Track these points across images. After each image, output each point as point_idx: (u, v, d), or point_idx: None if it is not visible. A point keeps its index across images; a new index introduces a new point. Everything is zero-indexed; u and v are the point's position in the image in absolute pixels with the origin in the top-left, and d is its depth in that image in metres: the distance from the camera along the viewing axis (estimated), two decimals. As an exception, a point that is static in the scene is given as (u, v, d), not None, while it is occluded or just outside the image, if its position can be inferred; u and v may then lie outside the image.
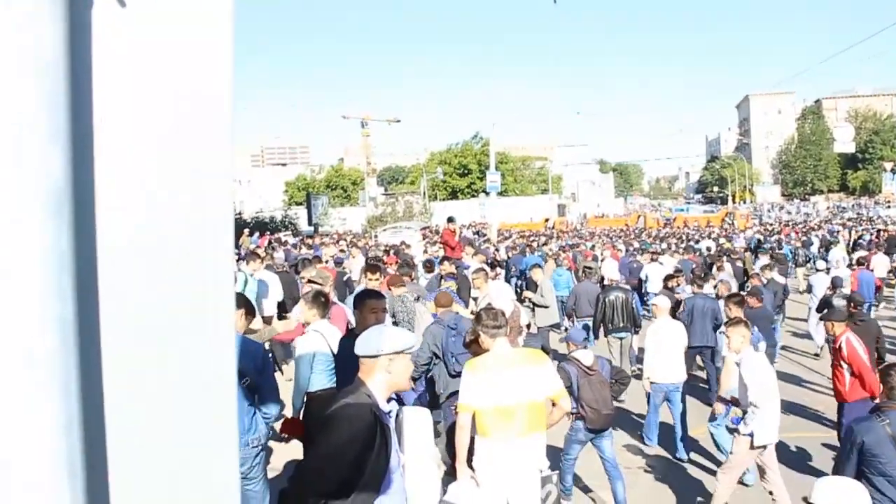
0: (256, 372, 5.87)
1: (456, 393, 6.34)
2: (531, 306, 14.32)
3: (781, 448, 8.24)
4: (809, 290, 16.91)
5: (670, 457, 9.71)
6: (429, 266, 15.73)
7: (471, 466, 5.52)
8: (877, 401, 5.87)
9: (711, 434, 9.08)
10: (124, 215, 1.09)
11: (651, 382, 9.97)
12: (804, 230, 46.47)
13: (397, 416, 4.27)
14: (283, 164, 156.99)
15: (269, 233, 41.99)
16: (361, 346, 4.02)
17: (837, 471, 5.57)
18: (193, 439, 1.20)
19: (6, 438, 0.90)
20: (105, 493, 1.12)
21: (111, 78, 1.06)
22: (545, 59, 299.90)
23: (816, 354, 15.34)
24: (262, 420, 5.91)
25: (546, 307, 13.85)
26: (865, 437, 5.32)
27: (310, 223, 54.07)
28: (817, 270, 17.85)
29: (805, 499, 3.85)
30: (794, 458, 9.18)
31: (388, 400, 4.05)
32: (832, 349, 9.13)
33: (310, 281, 9.90)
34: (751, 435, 7.08)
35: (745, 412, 7.15)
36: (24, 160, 0.89)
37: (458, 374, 8.74)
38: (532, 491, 5.56)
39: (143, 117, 1.10)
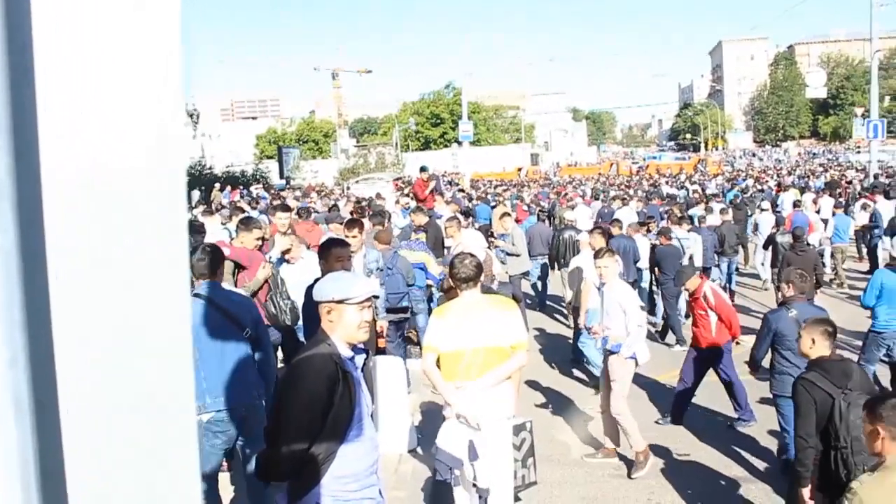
0: (254, 323, 5.89)
1: None
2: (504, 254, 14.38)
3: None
4: (756, 229, 18.25)
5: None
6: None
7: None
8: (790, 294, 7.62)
9: (580, 350, 10.71)
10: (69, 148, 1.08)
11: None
12: (772, 176, 46.88)
13: (364, 364, 4.23)
14: (254, 118, 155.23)
15: (240, 186, 41.64)
16: (314, 293, 4.03)
17: (756, 350, 7.72)
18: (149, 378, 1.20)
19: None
20: (57, 431, 1.12)
21: (53, 44, 1.05)
22: (517, 6, 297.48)
23: (765, 289, 16.53)
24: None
25: (517, 255, 13.88)
26: (778, 324, 7.30)
27: (281, 176, 53.61)
28: (762, 211, 19.22)
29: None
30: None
31: (355, 348, 4.01)
32: (689, 301, 9.89)
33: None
34: (633, 357, 7.79)
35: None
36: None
37: (389, 311, 9.27)
38: (502, 437, 5.60)
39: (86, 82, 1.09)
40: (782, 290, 8.02)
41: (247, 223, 8.56)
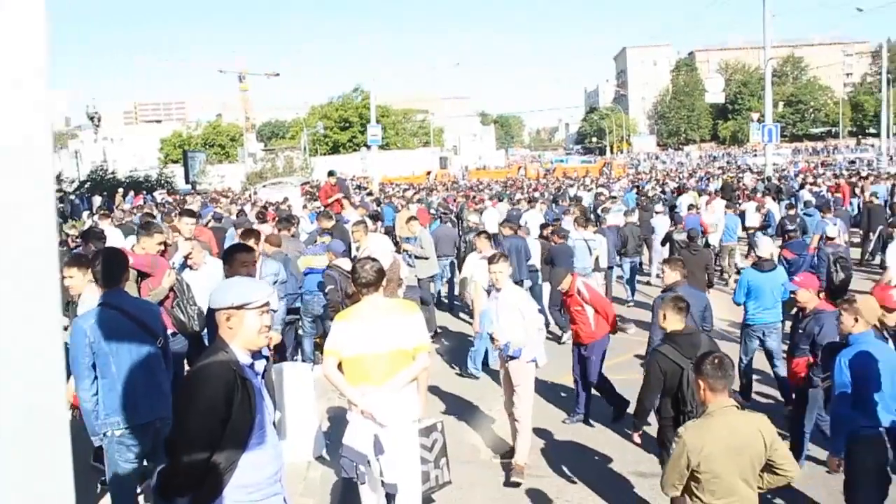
0: (164, 332, 5.74)
1: None
2: (412, 258, 14.40)
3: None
4: (653, 230, 18.94)
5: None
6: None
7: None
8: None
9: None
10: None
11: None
12: (675, 178, 48.12)
13: (265, 370, 4.17)
14: (158, 121, 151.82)
15: (144, 192, 40.66)
16: (210, 301, 3.97)
17: (653, 333, 8.08)
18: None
19: None
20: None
21: None
22: (424, 10, 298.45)
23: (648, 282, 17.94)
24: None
25: (426, 258, 13.91)
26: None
27: (187, 181, 52.62)
28: (656, 213, 20.06)
29: None
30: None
31: (255, 355, 3.96)
32: (563, 299, 9.98)
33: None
34: (534, 360, 7.81)
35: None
36: None
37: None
38: (408, 440, 5.62)
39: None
40: (665, 275, 8.79)
41: (148, 228, 8.38)
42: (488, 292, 10.86)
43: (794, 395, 8.06)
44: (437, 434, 5.96)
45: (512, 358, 7.73)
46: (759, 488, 4.48)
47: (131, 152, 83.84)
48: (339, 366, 5.54)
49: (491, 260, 8.07)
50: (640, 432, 6.72)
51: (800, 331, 7.45)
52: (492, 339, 8.32)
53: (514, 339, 7.70)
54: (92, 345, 5.23)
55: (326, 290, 10.13)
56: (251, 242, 8.11)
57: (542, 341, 8.11)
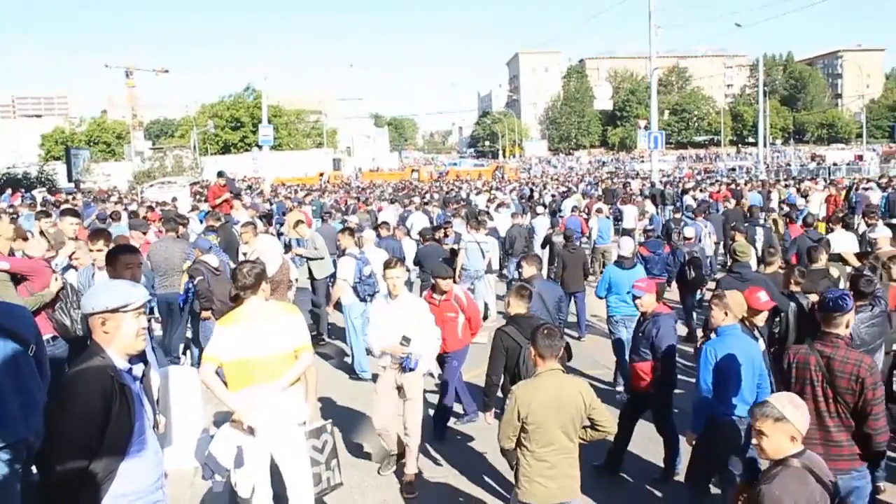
0: (36, 339, 5.34)
1: None
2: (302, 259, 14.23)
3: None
4: (532, 231, 19.29)
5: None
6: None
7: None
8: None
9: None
10: None
11: None
12: (563, 183, 49.23)
13: (144, 374, 4.05)
14: (39, 116, 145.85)
15: (22, 189, 39.03)
16: (83, 305, 3.87)
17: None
18: None
19: None
20: None
21: None
22: (317, 9, 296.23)
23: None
24: None
25: (321, 258, 13.69)
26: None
27: (70, 179, 50.72)
28: (537, 214, 20.90)
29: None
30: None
31: (133, 360, 3.86)
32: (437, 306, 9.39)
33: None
34: (429, 372, 7.97)
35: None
36: None
37: None
38: (296, 442, 5.62)
39: None
40: (524, 270, 9.19)
41: None
42: (363, 297, 10.99)
43: (632, 402, 7.98)
44: (327, 435, 5.95)
45: (410, 370, 7.34)
46: (582, 440, 5.24)
47: (9, 148, 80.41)
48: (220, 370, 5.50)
49: (387, 265, 7.64)
50: (492, 411, 6.98)
51: (640, 334, 7.66)
52: (369, 351, 8.02)
53: (413, 350, 7.28)
54: None
55: (196, 283, 10.10)
56: (100, 244, 7.63)
57: (435, 351, 7.82)
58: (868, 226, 13.74)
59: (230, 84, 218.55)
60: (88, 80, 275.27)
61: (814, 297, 8.32)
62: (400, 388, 7.45)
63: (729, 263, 10.77)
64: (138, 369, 3.89)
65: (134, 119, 68.09)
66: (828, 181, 32.96)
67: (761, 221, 16.92)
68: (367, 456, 8.45)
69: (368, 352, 9.57)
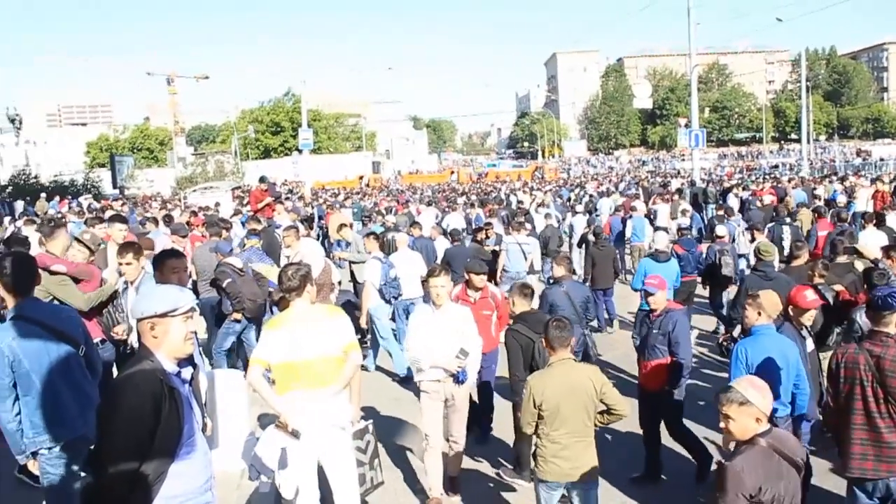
0: (85, 339, 5.45)
1: None
2: (347, 264, 14.27)
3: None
4: (571, 229, 20.01)
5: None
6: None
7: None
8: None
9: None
10: None
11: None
12: (603, 182, 48.99)
13: (192, 378, 4.08)
14: (84, 124, 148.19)
15: (69, 197, 39.72)
16: (133, 310, 3.89)
17: None
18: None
19: None
20: None
21: None
22: (356, 14, 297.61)
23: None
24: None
25: (363, 262, 13.71)
26: (553, 297, 9.22)
27: (114, 186, 51.49)
28: (575, 213, 21.39)
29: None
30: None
31: (182, 363, 3.89)
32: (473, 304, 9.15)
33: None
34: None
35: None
36: None
37: None
38: (342, 444, 5.66)
39: None
40: (553, 270, 9.84)
41: (51, 230, 7.91)
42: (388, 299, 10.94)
43: (646, 403, 7.73)
44: (370, 436, 6.03)
45: (461, 382, 7.03)
46: (599, 423, 5.66)
47: (55, 156, 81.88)
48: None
49: (431, 273, 7.24)
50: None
51: (654, 331, 7.47)
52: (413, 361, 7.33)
53: (460, 363, 6.92)
54: (12, 364, 4.92)
55: (225, 284, 10.17)
56: (129, 258, 7.57)
57: (479, 361, 7.40)
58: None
59: (269, 89, 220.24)
60: (131, 88, 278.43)
61: (839, 288, 8.31)
62: (446, 400, 7.11)
63: (753, 262, 10.67)
64: (187, 372, 3.92)
65: (176, 125, 68.93)
66: (875, 177, 32.27)
67: (787, 220, 16.59)
68: (405, 453, 8.48)
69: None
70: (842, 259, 9.61)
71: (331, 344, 5.54)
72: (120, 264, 7.33)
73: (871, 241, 12.06)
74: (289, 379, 5.49)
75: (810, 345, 6.85)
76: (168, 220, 17.40)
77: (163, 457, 3.60)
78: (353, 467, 5.75)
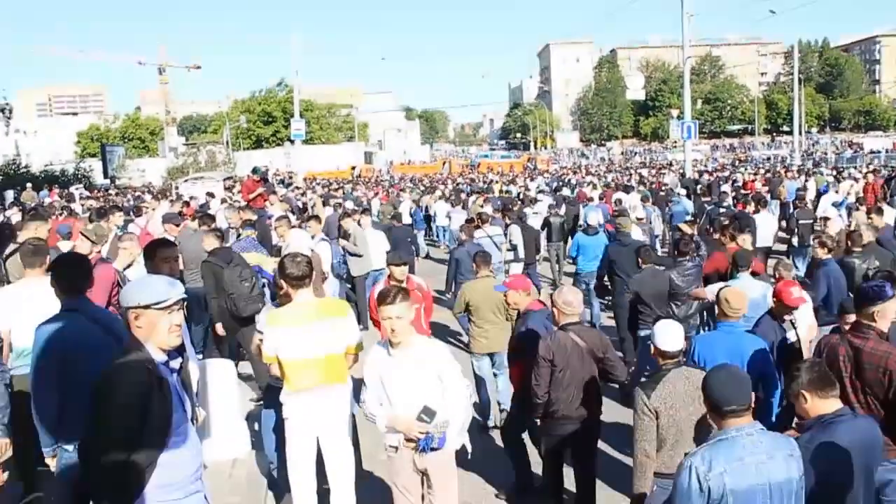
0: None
1: None
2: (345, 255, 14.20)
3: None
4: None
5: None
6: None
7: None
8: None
9: None
10: None
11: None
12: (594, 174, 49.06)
13: (181, 367, 4.09)
14: (75, 114, 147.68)
15: (58, 187, 39.57)
16: (120, 299, 3.89)
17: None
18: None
19: None
20: None
21: None
22: (348, 5, 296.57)
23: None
24: None
25: (360, 255, 13.65)
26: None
27: (105, 176, 51.32)
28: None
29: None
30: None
31: (170, 353, 3.87)
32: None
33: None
34: (463, 445, 7.68)
35: None
36: None
37: None
38: (341, 438, 5.69)
39: None
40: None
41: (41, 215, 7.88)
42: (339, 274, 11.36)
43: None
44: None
45: (433, 450, 5.05)
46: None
47: (46, 146, 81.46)
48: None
49: (382, 299, 5.06)
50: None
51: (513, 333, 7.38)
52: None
53: (436, 422, 5.00)
54: (66, 353, 4.81)
55: None
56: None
57: (468, 416, 5.39)
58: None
59: (261, 79, 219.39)
60: (122, 78, 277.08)
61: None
62: (424, 473, 5.20)
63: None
64: (176, 362, 3.93)
65: (167, 115, 68.75)
66: (868, 169, 32.22)
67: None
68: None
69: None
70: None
71: (336, 343, 5.56)
72: None
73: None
74: (294, 375, 5.50)
75: (793, 336, 6.76)
76: (136, 211, 17.31)
77: (153, 446, 3.61)
78: (352, 463, 5.78)
